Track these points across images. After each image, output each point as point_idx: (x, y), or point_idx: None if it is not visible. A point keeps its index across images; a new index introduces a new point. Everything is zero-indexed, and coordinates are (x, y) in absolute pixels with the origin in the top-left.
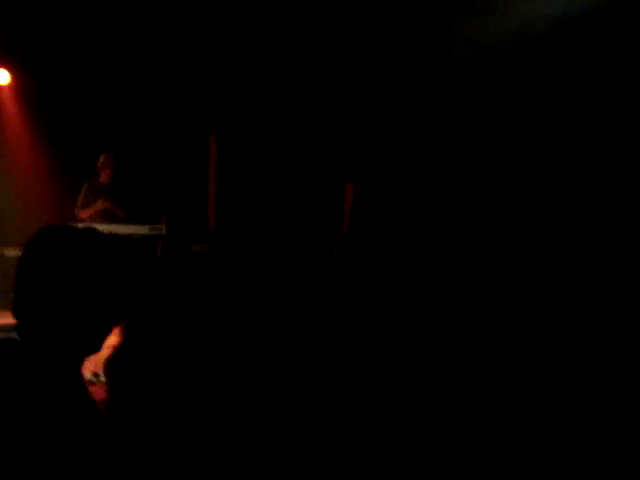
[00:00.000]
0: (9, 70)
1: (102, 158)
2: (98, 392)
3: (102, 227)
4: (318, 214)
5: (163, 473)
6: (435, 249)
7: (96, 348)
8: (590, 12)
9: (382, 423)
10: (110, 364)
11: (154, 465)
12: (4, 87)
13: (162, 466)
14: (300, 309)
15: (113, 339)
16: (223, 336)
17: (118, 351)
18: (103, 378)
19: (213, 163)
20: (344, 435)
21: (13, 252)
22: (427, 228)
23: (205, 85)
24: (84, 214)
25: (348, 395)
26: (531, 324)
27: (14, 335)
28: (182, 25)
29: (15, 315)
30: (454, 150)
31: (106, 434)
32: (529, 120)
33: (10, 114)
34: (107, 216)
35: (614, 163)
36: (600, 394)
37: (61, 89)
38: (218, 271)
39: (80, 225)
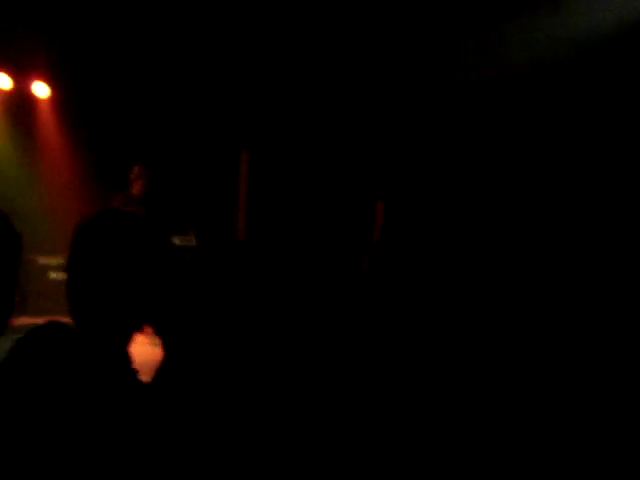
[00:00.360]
0: (48, 84)
1: (135, 169)
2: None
3: None
4: (348, 230)
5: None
6: (465, 264)
7: (138, 329)
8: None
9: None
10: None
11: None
12: (44, 100)
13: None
14: (330, 322)
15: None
16: (253, 346)
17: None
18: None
19: (244, 177)
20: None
21: (45, 260)
22: (456, 244)
23: (238, 100)
24: None
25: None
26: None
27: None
28: (218, 43)
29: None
30: (483, 166)
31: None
32: (557, 143)
33: (48, 126)
34: None
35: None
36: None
37: (98, 102)
38: (248, 280)
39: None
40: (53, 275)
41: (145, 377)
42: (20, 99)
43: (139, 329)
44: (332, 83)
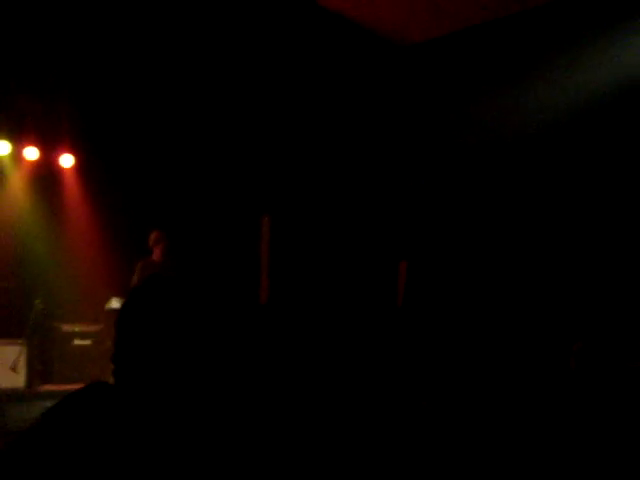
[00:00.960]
0: (73, 154)
1: (153, 235)
2: None
3: None
4: (372, 291)
5: None
6: (488, 323)
7: (193, 406)
8: None
9: None
10: None
11: None
12: (68, 169)
13: None
14: (360, 385)
15: None
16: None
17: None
18: None
19: (265, 241)
20: None
21: (69, 327)
22: (477, 302)
23: (258, 164)
24: None
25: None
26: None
27: None
28: (237, 110)
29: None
30: (499, 227)
31: None
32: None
33: (73, 195)
34: None
35: None
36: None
37: (120, 169)
38: (271, 344)
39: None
40: (77, 342)
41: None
42: (46, 169)
43: (186, 396)
44: (352, 148)
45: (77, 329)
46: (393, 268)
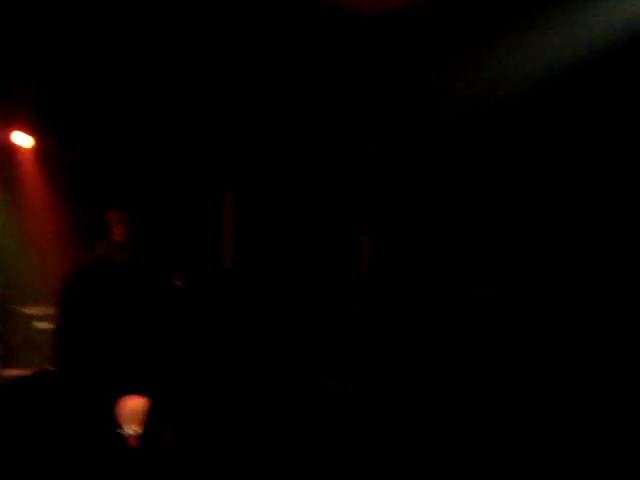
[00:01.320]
0: (32, 134)
1: (113, 215)
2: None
3: None
4: (334, 266)
5: None
6: (451, 296)
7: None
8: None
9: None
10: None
11: None
12: (27, 150)
13: None
14: (319, 352)
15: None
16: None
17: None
18: (138, 430)
19: (229, 217)
20: None
21: (30, 310)
22: (443, 275)
23: (221, 141)
24: None
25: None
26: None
27: None
28: (198, 87)
29: (56, 344)
30: (465, 197)
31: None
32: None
33: (31, 175)
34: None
35: None
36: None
37: (79, 149)
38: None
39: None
40: (39, 325)
41: (132, 427)
42: (2, 150)
43: (127, 380)
44: (314, 121)
45: (38, 312)
46: (355, 242)
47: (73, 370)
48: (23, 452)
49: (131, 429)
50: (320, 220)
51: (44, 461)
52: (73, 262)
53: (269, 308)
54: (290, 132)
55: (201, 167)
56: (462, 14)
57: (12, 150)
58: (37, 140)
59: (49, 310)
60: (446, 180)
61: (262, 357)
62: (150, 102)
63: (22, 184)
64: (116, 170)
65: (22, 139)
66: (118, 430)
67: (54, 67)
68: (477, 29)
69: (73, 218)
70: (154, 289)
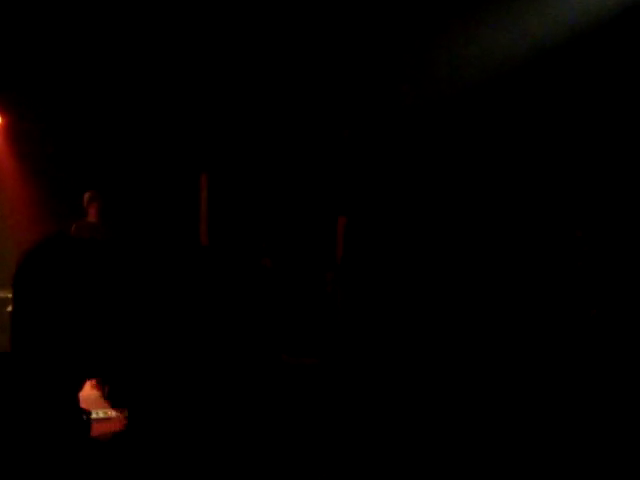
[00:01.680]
0: (1, 113)
1: (87, 195)
2: (111, 426)
3: None
4: (310, 246)
5: None
6: (427, 278)
7: (91, 372)
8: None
9: None
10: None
11: None
12: None
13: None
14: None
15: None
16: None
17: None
18: (113, 413)
19: (204, 199)
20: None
21: (3, 294)
22: (418, 258)
23: (197, 122)
24: None
25: None
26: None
27: None
28: (174, 66)
29: (12, 327)
30: (444, 179)
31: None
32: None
33: (1, 154)
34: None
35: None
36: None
37: (52, 128)
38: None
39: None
40: (11, 309)
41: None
42: None
43: (87, 370)
44: (289, 96)
45: (10, 295)
46: (332, 223)
47: (28, 354)
48: None
49: (101, 412)
50: (296, 201)
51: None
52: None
53: (243, 285)
54: (265, 114)
55: (177, 150)
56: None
57: None
58: (7, 119)
59: None
60: (424, 162)
61: (234, 331)
62: (127, 82)
63: None
64: (92, 152)
65: None
66: (85, 416)
67: (25, 42)
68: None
69: (46, 199)
70: (122, 269)
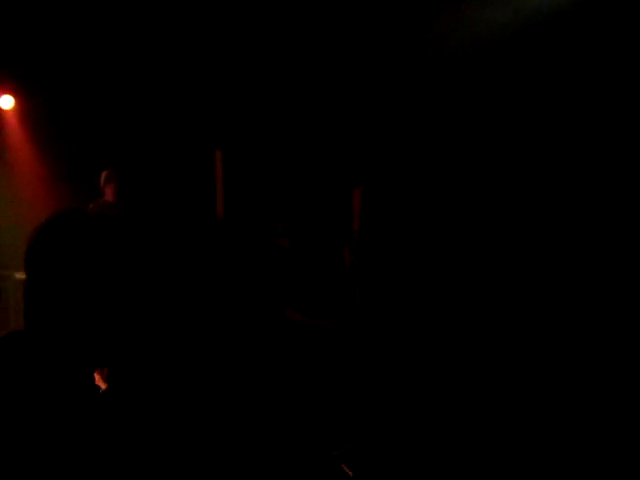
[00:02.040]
0: (13, 95)
1: (104, 174)
2: None
3: None
4: (327, 219)
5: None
6: (444, 250)
7: (110, 352)
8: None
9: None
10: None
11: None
12: (8, 111)
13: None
14: (310, 313)
15: None
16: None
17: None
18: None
19: (219, 176)
20: None
21: (21, 275)
22: (436, 229)
23: (209, 98)
24: None
25: None
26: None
27: None
28: (189, 42)
29: (25, 301)
30: (460, 148)
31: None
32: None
33: (16, 138)
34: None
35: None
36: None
37: (64, 108)
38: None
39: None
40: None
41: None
42: None
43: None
44: (302, 73)
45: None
46: (347, 194)
47: (42, 331)
48: None
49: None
50: (311, 174)
51: (17, 427)
52: None
53: (259, 257)
54: (278, 87)
55: (192, 126)
56: None
57: None
58: (19, 101)
59: None
60: (440, 132)
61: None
62: (141, 61)
63: (7, 146)
64: (107, 130)
65: (4, 100)
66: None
67: (35, 20)
68: None
69: (62, 180)
70: (137, 243)
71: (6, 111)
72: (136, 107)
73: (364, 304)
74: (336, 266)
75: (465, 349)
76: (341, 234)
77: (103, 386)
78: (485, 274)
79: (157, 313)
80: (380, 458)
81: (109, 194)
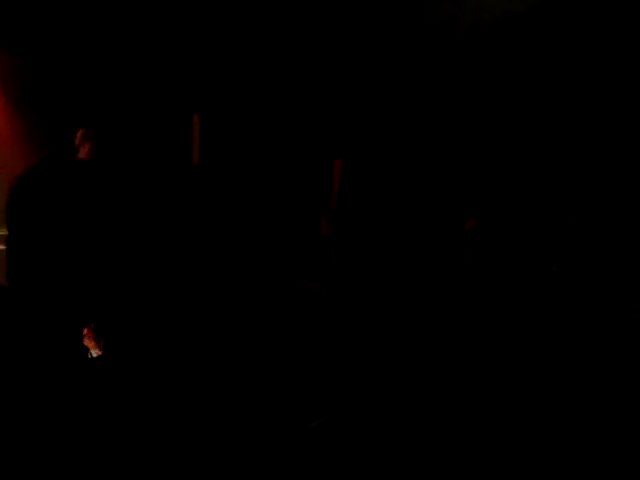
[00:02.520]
0: None
1: (79, 134)
2: None
3: None
4: (306, 190)
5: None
6: (426, 225)
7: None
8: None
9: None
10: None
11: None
12: None
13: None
14: (289, 284)
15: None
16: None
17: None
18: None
19: (197, 141)
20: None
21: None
22: (418, 204)
23: (188, 62)
24: None
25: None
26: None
27: None
28: (167, 5)
29: (7, 255)
30: (444, 124)
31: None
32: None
33: None
34: None
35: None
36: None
37: (42, 68)
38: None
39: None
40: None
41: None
42: None
43: (85, 294)
44: (283, 41)
45: (2, 233)
46: (327, 166)
47: (26, 286)
48: None
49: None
50: (291, 143)
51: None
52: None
53: (235, 214)
54: (259, 54)
55: (170, 90)
56: None
57: None
58: None
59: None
60: (423, 104)
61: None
62: (120, 19)
63: None
64: (84, 88)
65: None
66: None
67: None
68: None
69: (36, 137)
70: (116, 187)
71: None
72: (114, 69)
73: (341, 276)
74: (313, 236)
75: (441, 314)
76: (319, 204)
77: (98, 352)
78: (459, 249)
79: (141, 260)
80: (362, 431)
81: (84, 152)
